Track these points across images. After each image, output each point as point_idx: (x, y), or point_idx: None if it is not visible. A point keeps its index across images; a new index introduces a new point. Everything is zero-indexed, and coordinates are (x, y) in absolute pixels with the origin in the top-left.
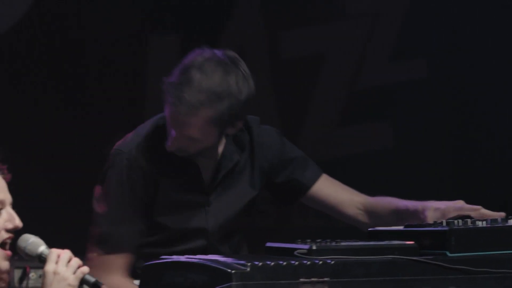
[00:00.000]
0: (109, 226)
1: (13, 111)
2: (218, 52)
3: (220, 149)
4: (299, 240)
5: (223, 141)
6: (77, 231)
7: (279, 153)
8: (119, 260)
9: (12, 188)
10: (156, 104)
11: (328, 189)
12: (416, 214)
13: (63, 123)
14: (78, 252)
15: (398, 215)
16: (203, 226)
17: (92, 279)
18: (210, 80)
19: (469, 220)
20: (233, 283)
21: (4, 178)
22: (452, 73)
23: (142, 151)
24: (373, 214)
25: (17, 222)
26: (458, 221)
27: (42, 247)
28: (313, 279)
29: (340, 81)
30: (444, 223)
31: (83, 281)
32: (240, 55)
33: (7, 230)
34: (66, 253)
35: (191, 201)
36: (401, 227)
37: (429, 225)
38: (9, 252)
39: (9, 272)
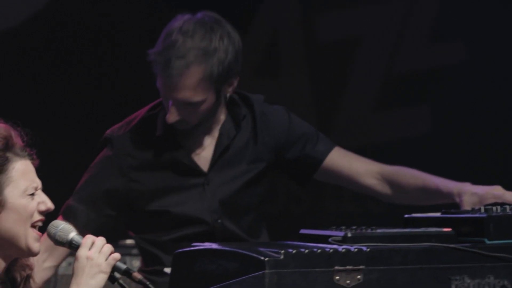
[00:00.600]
0: (74, 200)
1: (45, 95)
2: (198, 15)
3: (218, 127)
4: (334, 227)
5: (222, 118)
6: None
7: (286, 131)
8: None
9: (39, 174)
10: None
11: (342, 160)
12: (449, 197)
13: (91, 107)
14: (107, 238)
15: (426, 194)
16: (203, 206)
17: (123, 266)
18: (193, 38)
19: (508, 207)
20: (266, 271)
21: (33, 163)
22: (491, 56)
23: (131, 138)
24: (395, 186)
25: (49, 205)
26: (496, 208)
27: (73, 234)
28: (348, 267)
29: (376, 65)
30: (482, 210)
31: (114, 268)
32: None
33: (40, 212)
34: (100, 240)
35: (187, 184)
36: (438, 214)
37: (467, 211)
38: (40, 234)
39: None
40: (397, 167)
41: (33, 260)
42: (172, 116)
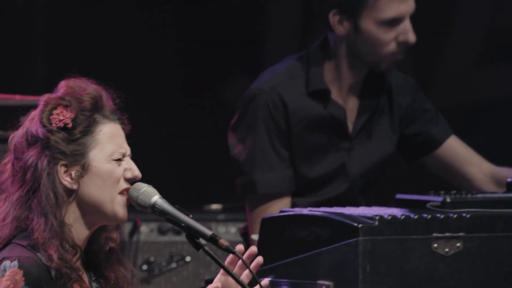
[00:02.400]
0: (261, 171)
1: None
2: None
3: (359, 88)
4: (432, 191)
5: (360, 85)
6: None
7: (413, 102)
8: (282, 205)
9: (130, 141)
10: (276, 50)
11: (459, 149)
12: None
13: (180, 70)
14: (189, 206)
15: None
16: (345, 172)
17: (208, 232)
18: None
19: None
20: (360, 238)
21: (123, 129)
22: None
23: (284, 90)
24: (501, 188)
25: (136, 172)
26: None
27: (156, 197)
28: (446, 234)
29: (478, 20)
30: None
31: (199, 233)
32: None
33: (126, 180)
34: None
35: (333, 146)
36: None
37: None
38: (127, 198)
39: (120, 228)
40: (508, 169)
41: (118, 234)
42: (414, 35)
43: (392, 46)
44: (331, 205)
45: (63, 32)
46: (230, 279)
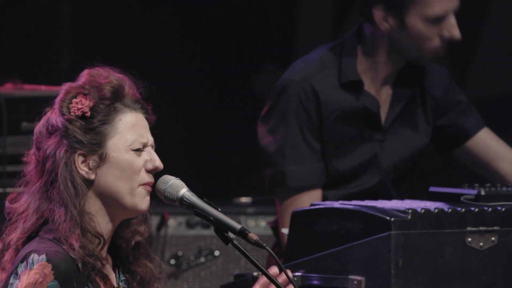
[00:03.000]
0: (292, 163)
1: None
2: None
3: (393, 79)
4: (466, 184)
5: (394, 77)
6: (219, 176)
7: (447, 93)
8: (312, 198)
9: (156, 131)
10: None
11: (491, 142)
12: None
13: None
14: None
15: None
16: (377, 164)
17: (237, 226)
18: None
19: None
20: (392, 232)
21: (147, 119)
22: None
23: (316, 80)
24: None
25: (157, 163)
26: None
27: (184, 190)
28: (481, 228)
29: None
30: None
31: (228, 227)
32: None
33: (147, 171)
34: None
35: (365, 137)
36: None
37: None
38: (150, 189)
39: (147, 221)
40: None
41: (145, 227)
42: (458, 31)
43: (436, 42)
44: (362, 198)
45: (89, 22)
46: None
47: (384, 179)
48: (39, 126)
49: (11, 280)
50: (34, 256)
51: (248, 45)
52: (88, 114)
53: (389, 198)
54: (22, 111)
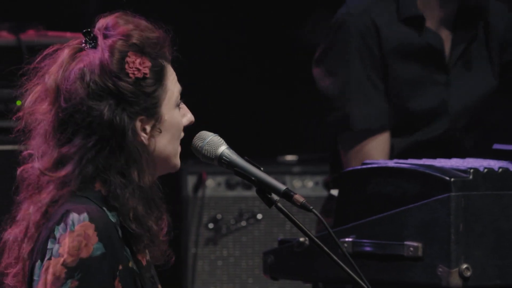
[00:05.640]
0: (357, 104)
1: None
2: None
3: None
4: None
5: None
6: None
7: (509, 30)
8: (381, 142)
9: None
10: None
11: None
12: None
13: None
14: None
15: None
16: (445, 109)
17: (282, 187)
18: None
19: None
20: (452, 193)
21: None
22: None
23: (376, 13)
24: None
25: (192, 117)
26: None
27: (223, 147)
28: None
29: None
30: None
31: (272, 188)
32: None
33: (183, 126)
34: None
35: (430, 79)
36: None
37: None
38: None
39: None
40: None
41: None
42: None
43: None
44: (430, 147)
45: None
46: None
47: (453, 126)
48: (69, 81)
49: (48, 245)
50: (74, 216)
51: None
52: (148, 75)
53: (459, 147)
54: None
